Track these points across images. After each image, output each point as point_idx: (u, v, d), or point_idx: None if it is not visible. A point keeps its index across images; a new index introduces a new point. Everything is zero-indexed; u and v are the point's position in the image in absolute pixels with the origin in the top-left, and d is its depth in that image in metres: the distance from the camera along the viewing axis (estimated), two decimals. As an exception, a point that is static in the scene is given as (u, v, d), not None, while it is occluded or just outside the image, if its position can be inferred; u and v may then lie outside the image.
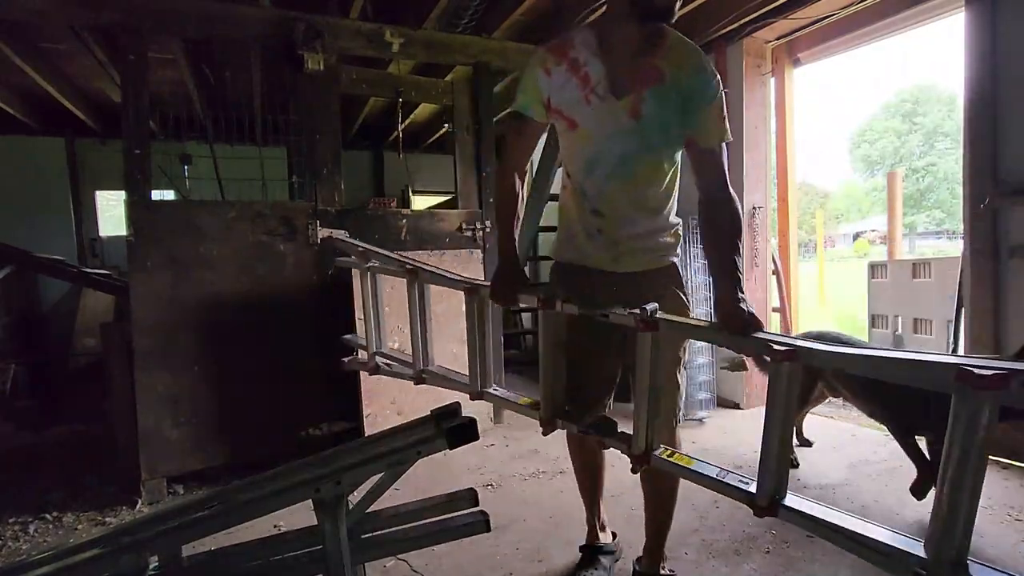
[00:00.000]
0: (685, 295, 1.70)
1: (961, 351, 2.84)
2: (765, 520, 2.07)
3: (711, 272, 1.48)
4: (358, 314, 2.82)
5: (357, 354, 2.47)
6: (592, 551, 1.88)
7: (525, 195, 1.69)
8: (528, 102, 1.50)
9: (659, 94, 1.41)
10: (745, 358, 3.46)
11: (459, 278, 1.85)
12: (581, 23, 1.47)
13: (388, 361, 2.24)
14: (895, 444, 2.77)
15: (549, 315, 1.51)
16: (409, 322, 2.06)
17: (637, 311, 1.27)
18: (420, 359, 2.02)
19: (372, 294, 2.25)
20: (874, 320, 4.22)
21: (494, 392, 1.74)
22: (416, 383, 2.03)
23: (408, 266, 2.09)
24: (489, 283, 1.65)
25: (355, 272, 2.83)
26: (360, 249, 2.38)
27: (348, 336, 2.56)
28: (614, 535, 1.97)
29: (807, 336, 2.28)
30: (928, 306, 3.75)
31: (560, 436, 2.45)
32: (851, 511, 1.02)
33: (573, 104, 1.45)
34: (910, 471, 2.54)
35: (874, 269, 4.30)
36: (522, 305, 5.96)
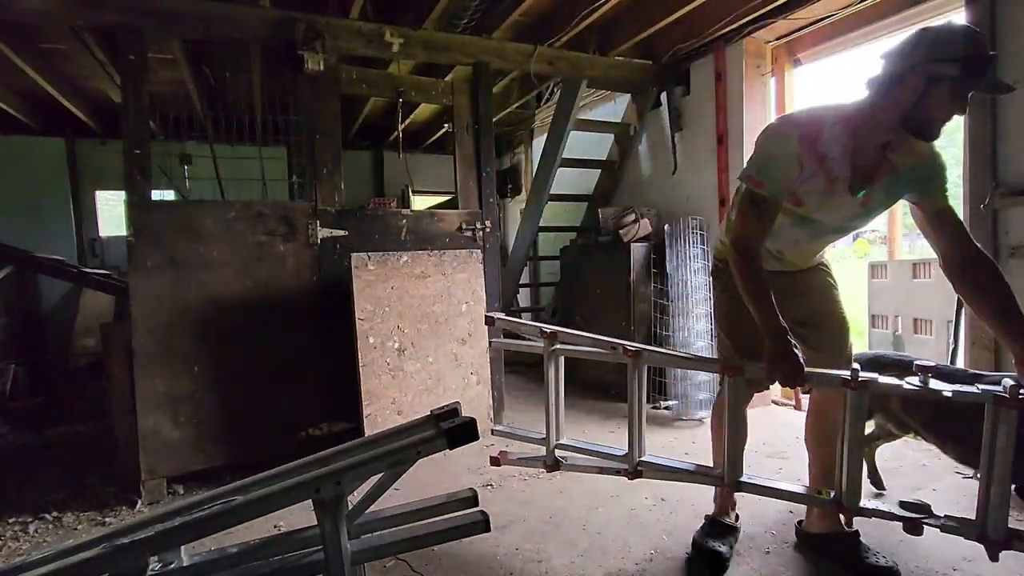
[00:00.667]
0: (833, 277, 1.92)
1: (961, 352, 2.84)
2: (765, 520, 2.09)
3: (1015, 338, 1.43)
4: (359, 314, 2.82)
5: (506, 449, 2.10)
6: (721, 525, 1.92)
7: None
8: (779, 190, 1.55)
9: (890, 184, 1.56)
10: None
11: (703, 358, 1.69)
12: (825, 110, 1.54)
13: (574, 453, 1.91)
14: (895, 446, 2.78)
15: (740, 381, 1.55)
16: (628, 413, 1.75)
17: (1000, 389, 1.27)
18: (636, 450, 1.72)
19: (555, 380, 1.94)
20: (874, 320, 4.22)
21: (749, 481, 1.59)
22: (631, 478, 1.74)
23: (629, 349, 1.71)
24: (760, 363, 1.53)
25: (356, 273, 2.84)
26: (548, 331, 1.93)
27: (500, 427, 2.19)
28: (737, 516, 2.00)
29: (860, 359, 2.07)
30: (928, 306, 3.75)
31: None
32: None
33: (811, 193, 1.57)
34: (909, 471, 2.55)
35: (874, 269, 4.29)
36: (522, 305, 5.98)
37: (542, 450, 1.96)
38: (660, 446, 2.63)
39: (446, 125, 5.52)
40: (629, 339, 3.77)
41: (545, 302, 5.58)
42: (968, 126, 2.60)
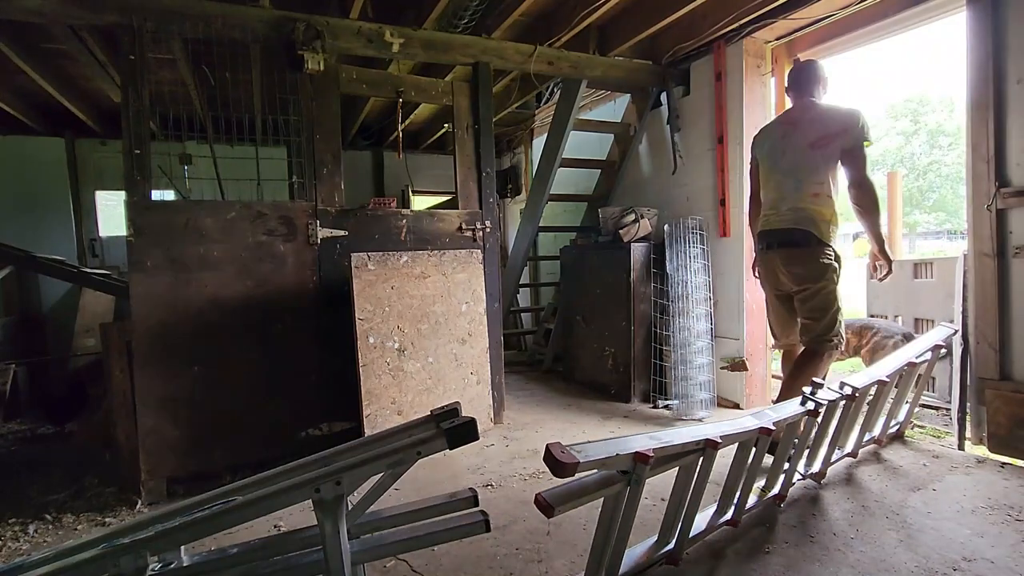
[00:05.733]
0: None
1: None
2: (765, 520, 2.08)
3: None
4: (359, 314, 2.82)
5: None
6: None
7: None
8: None
9: None
10: (746, 359, 3.46)
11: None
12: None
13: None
14: (901, 449, 2.77)
15: None
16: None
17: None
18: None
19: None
20: (874, 320, 4.22)
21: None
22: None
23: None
24: None
25: (356, 273, 2.84)
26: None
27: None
28: None
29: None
30: (929, 306, 3.74)
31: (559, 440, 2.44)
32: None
33: None
34: (910, 471, 2.54)
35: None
36: (522, 305, 5.98)
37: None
38: (660, 446, 2.64)
39: (446, 125, 5.52)
40: (629, 339, 3.76)
41: (545, 302, 5.58)
42: (970, 128, 2.60)
